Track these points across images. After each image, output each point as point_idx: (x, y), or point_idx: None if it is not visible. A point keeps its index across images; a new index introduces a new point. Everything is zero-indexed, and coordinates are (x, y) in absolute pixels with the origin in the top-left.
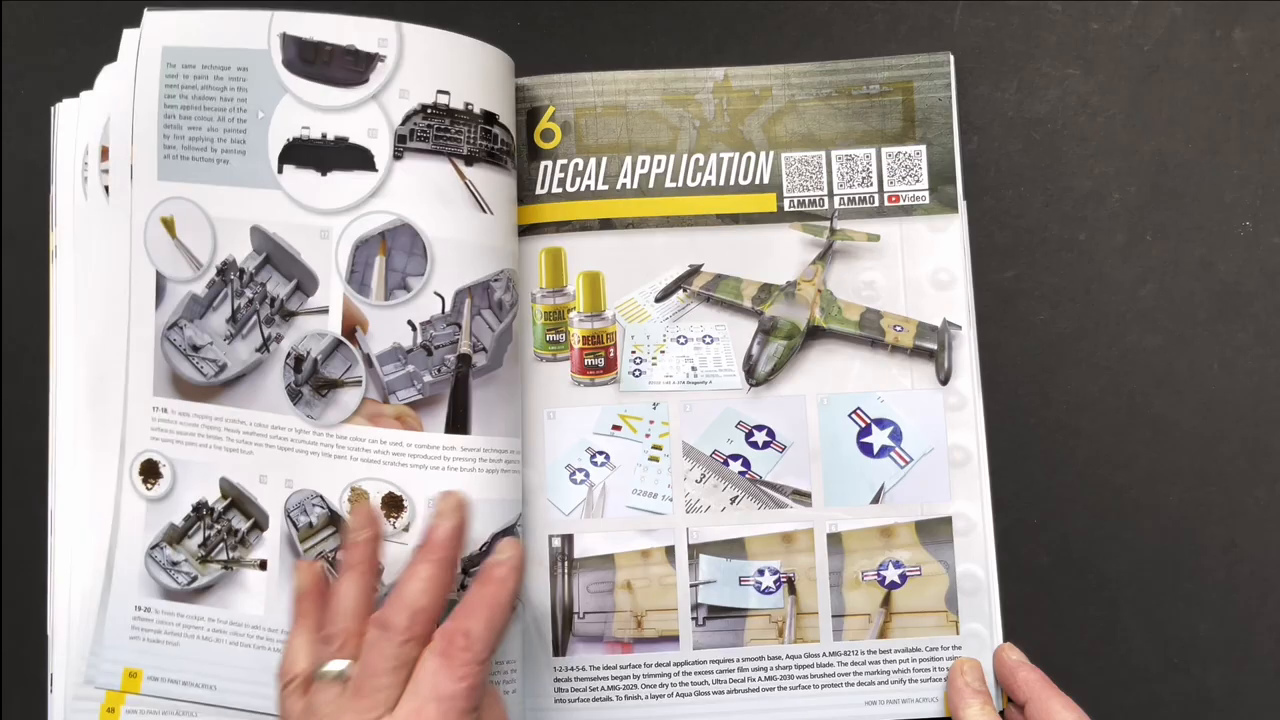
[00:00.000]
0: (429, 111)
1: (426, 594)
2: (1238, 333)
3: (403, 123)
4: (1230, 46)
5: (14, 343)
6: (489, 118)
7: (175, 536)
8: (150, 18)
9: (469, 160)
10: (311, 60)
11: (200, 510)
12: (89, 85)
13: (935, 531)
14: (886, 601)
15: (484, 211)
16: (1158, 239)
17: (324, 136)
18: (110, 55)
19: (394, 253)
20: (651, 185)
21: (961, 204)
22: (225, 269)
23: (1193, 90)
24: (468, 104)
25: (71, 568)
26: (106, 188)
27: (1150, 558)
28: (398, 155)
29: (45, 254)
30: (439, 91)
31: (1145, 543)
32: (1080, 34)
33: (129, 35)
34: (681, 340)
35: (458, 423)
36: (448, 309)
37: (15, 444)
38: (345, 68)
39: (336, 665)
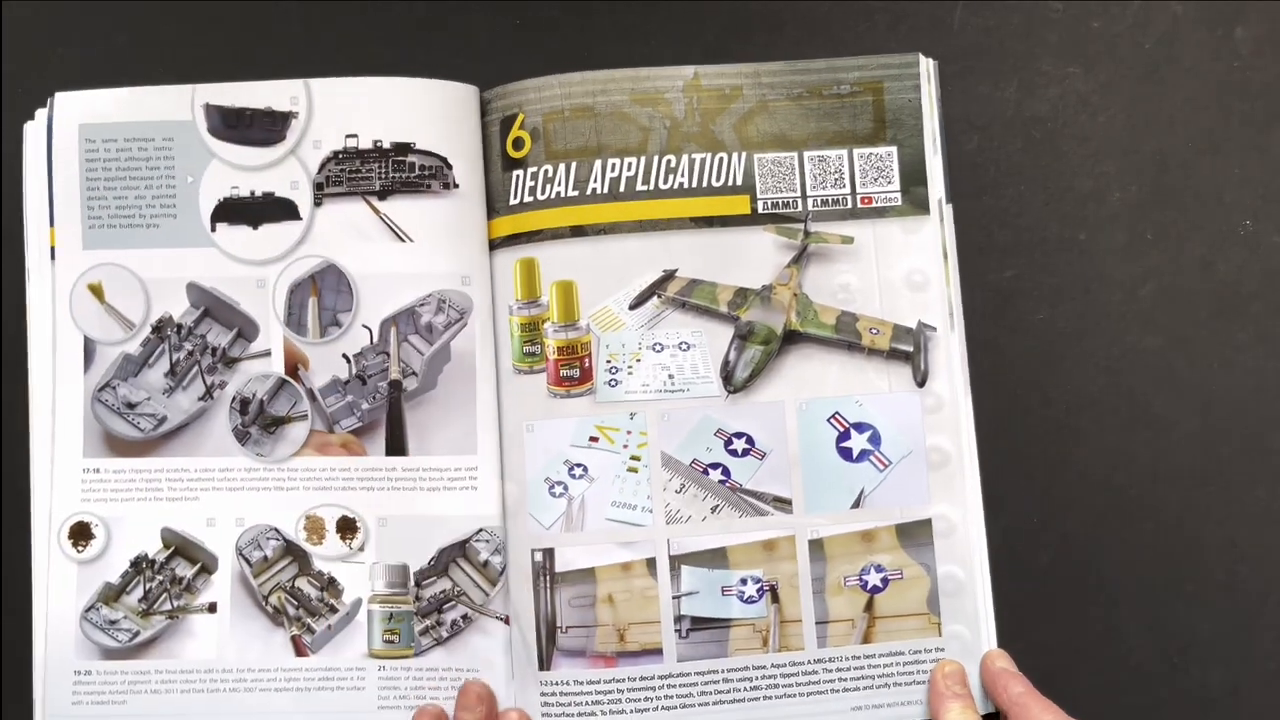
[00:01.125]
0: (340, 156)
1: None
2: (1238, 333)
3: (319, 171)
4: (1230, 46)
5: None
6: (401, 149)
7: (112, 595)
8: (61, 99)
9: (384, 194)
10: (234, 125)
11: (139, 564)
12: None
13: (915, 534)
14: (869, 606)
15: (403, 241)
16: (1158, 239)
17: (252, 193)
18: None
19: (324, 292)
20: (622, 189)
21: (944, 207)
22: (161, 326)
23: (1193, 90)
24: (376, 142)
25: (48, 587)
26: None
27: (1150, 558)
28: (318, 202)
29: (21, 269)
30: (347, 135)
31: (1145, 543)
32: (1081, 33)
33: (39, 115)
34: (657, 348)
35: (394, 445)
36: (375, 339)
37: (10, 455)
38: (264, 128)
39: None
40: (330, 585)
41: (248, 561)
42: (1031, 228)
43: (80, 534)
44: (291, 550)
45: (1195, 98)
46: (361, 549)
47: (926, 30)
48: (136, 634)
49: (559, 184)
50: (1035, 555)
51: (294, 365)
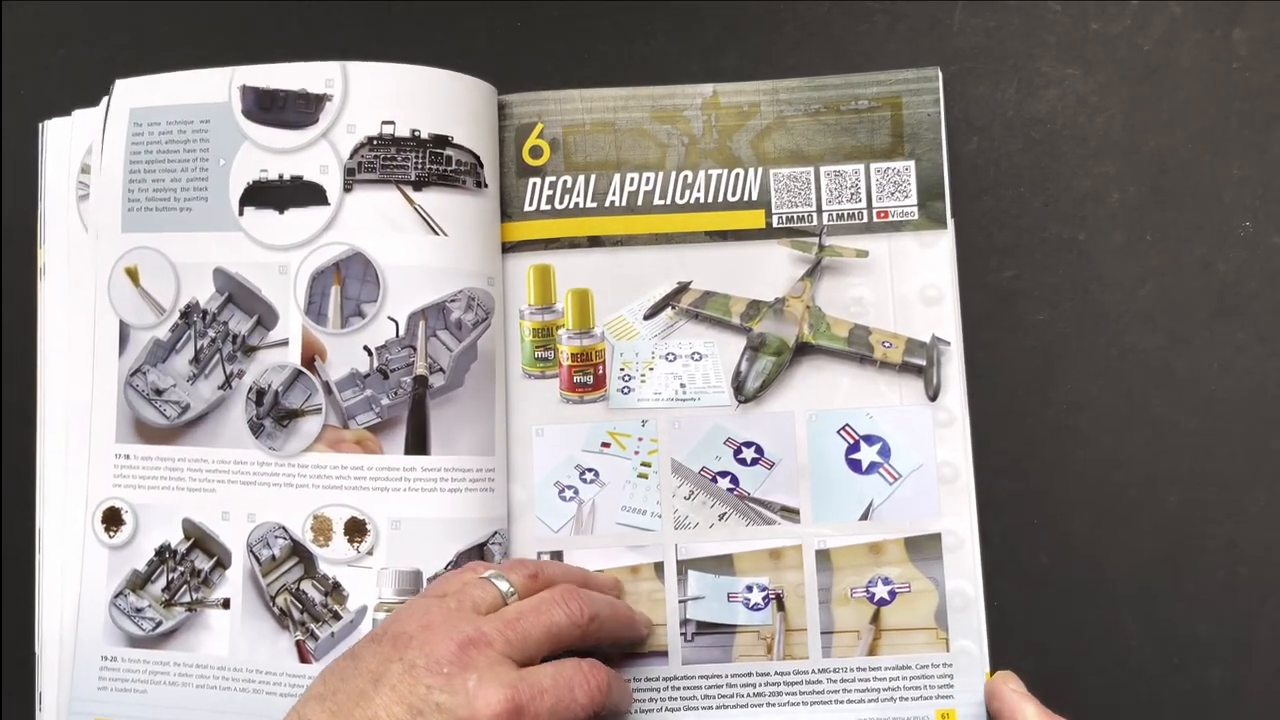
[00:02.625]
0: (374, 143)
1: (613, 615)
2: (1238, 333)
3: (350, 156)
4: (1230, 46)
5: (7, 355)
6: (440, 141)
7: (139, 582)
8: (121, 86)
9: (418, 185)
10: (268, 107)
11: (163, 553)
12: (84, 100)
13: (924, 548)
14: (875, 618)
15: (437, 234)
16: (1158, 239)
17: (280, 177)
18: (102, 73)
19: (348, 281)
20: (640, 202)
21: (950, 220)
22: (189, 311)
23: (1193, 90)
24: (414, 131)
25: (62, 585)
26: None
27: (1150, 558)
28: (348, 188)
29: (33, 272)
30: (383, 122)
31: (1145, 543)
32: (1080, 34)
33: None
34: (670, 357)
35: (416, 444)
36: (402, 332)
37: (10, 459)
38: (297, 110)
39: (507, 585)
40: (335, 590)
41: (257, 560)
42: (1031, 228)
43: (112, 519)
44: (298, 551)
45: (1194, 98)
46: (370, 553)
47: (926, 31)
48: (160, 623)
49: (578, 195)
50: (1035, 556)
51: (311, 356)
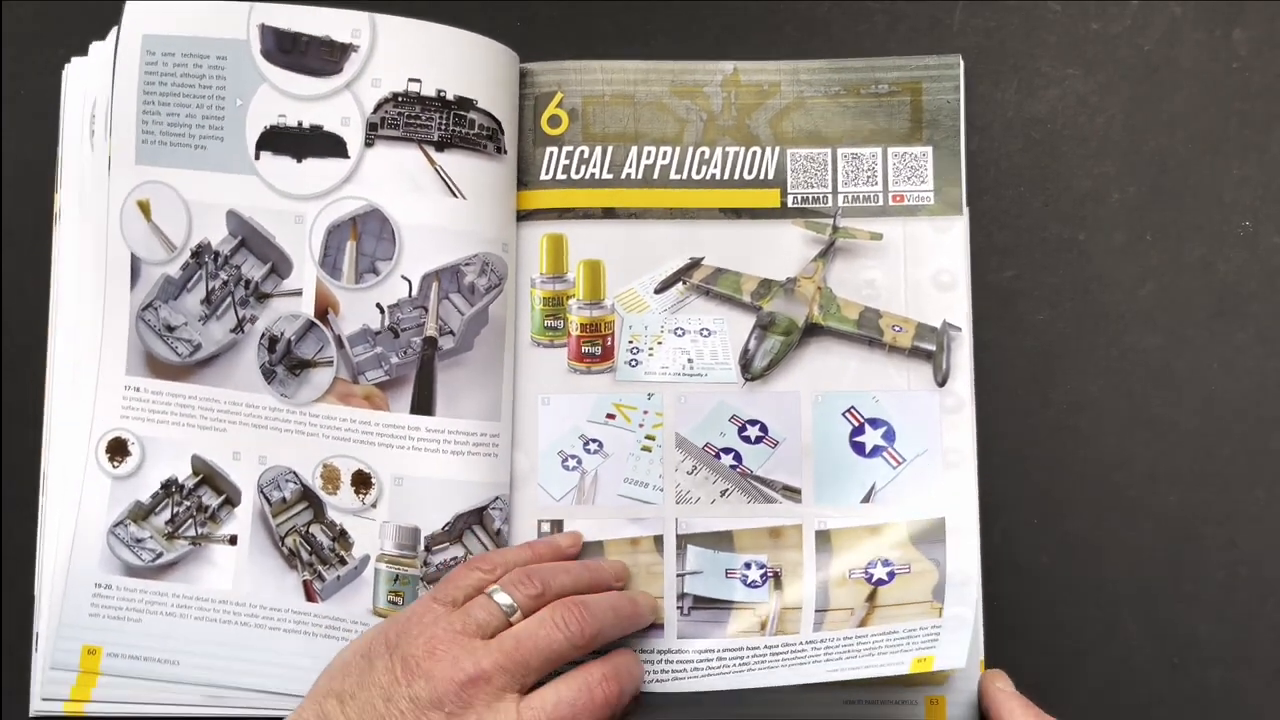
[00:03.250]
0: (400, 99)
1: (616, 622)
2: (1237, 333)
3: (374, 110)
4: (1230, 46)
5: (15, 308)
6: (464, 104)
7: (141, 514)
8: (131, 7)
9: (440, 146)
10: (289, 50)
11: (169, 487)
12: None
13: (927, 532)
14: (871, 596)
15: (456, 197)
16: (1158, 239)
17: (300, 124)
18: (114, 18)
19: (364, 237)
20: (656, 176)
21: (965, 207)
22: (200, 251)
23: (1193, 90)
24: (440, 91)
25: (59, 529)
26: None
27: (1150, 558)
28: (369, 143)
29: (50, 218)
30: (410, 79)
31: (1145, 543)
32: (1080, 34)
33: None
34: (679, 332)
35: (421, 404)
36: (414, 292)
37: (15, 409)
38: (320, 57)
39: (509, 600)
40: (341, 537)
41: (268, 500)
42: (1031, 228)
43: (117, 450)
44: (308, 496)
45: (1194, 98)
46: (374, 505)
47: (926, 31)
48: (160, 555)
49: (594, 165)
50: (1035, 555)
51: (324, 308)
